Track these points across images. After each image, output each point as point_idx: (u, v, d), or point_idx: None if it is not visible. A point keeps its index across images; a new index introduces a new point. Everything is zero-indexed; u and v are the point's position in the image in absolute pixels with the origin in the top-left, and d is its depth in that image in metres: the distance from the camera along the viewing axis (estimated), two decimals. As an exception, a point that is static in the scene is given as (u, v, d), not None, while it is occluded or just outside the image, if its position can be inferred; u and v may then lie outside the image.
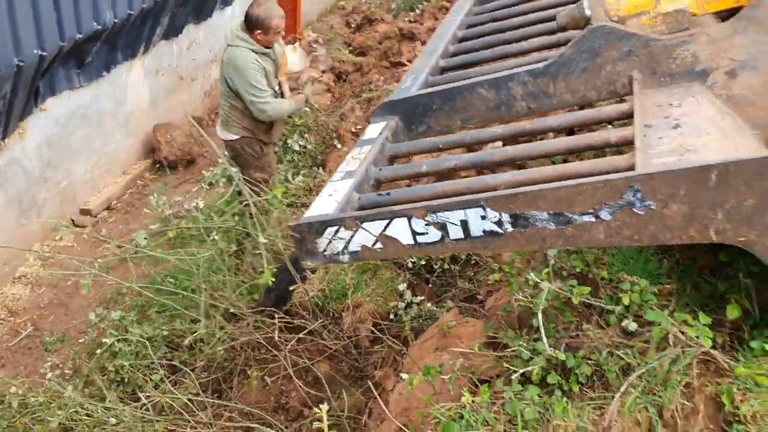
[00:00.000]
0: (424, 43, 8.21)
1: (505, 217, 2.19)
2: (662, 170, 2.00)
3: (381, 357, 3.75)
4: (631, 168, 2.20)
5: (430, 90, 3.13)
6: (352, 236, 2.38)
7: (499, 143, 3.53)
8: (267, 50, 4.73)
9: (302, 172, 6.12)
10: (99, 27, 5.58)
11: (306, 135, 6.55)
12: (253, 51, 4.62)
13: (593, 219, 2.11)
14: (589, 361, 2.41)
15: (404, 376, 2.74)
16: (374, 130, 3.08)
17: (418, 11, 9.32)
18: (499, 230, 2.22)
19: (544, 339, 2.41)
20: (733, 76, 2.68)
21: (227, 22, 7.54)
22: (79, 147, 6.06)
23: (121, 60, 6.28)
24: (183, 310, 4.00)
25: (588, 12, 2.79)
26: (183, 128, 7.02)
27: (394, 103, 3.16)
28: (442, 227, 2.27)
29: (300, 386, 3.47)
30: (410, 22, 8.96)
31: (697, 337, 2.18)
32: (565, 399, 2.31)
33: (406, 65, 7.92)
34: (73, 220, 6.13)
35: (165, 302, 4.12)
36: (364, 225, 2.35)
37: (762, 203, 1.95)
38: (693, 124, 2.46)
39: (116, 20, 5.75)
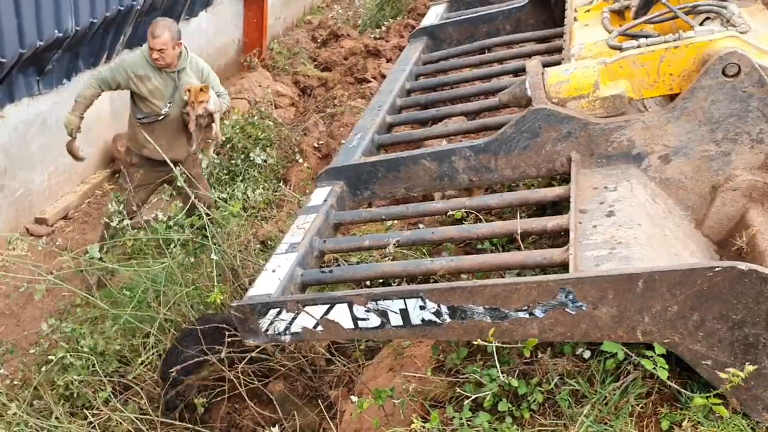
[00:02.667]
0: (389, 60, 8.31)
1: (444, 309, 2.25)
2: (592, 275, 2.08)
3: (336, 376, 3.71)
4: (565, 263, 2.28)
5: (374, 159, 3.18)
6: (294, 318, 2.41)
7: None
8: (163, 66, 4.75)
9: (262, 185, 6.06)
10: (60, 34, 5.47)
11: (268, 149, 6.54)
12: (145, 59, 4.77)
13: (527, 315, 2.18)
14: (541, 389, 2.42)
15: (353, 398, 2.72)
16: (319, 195, 3.10)
17: (383, 28, 9.40)
18: (438, 320, 2.27)
19: (497, 365, 2.39)
20: (667, 161, 2.80)
21: (193, 32, 7.46)
22: (38, 155, 5.91)
23: (83, 68, 6.17)
24: (137, 323, 3.93)
25: (529, 92, 2.87)
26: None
27: (340, 170, 3.20)
28: (383, 314, 2.31)
29: (252, 406, 3.39)
30: (376, 39, 9.03)
31: (654, 369, 2.21)
32: (516, 426, 2.34)
33: (370, 81, 7.97)
34: (27, 230, 5.97)
35: (119, 315, 4.02)
36: (306, 308, 2.37)
37: (683, 309, 2.04)
38: (626, 213, 2.56)
39: (78, 28, 5.64)
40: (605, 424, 2.27)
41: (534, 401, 2.39)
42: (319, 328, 2.39)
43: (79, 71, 6.14)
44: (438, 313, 2.26)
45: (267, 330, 2.45)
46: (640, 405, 2.28)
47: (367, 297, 2.30)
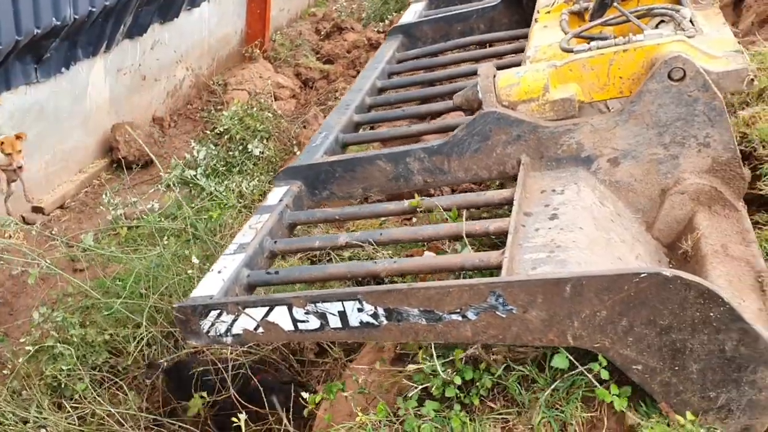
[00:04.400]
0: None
1: (380, 311, 2.26)
2: (521, 279, 2.09)
3: (325, 371, 3.71)
4: (500, 266, 2.29)
5: (332, 159, 3.19)
6: (235, 320, 2.43)
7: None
8: None
9: (258, 177, 6.07)
10: (58, 23, 5.45)
11: (266, 141, 6.51)
12: None
13: (460, 318, 2.19)
14: (491, 375, 2.41)
15: (304, 394, 2.72)
16: (276, 195, 3.12)
17: (387, 22, 9.36)
18: (375, 322, 2.29)
19: (434, 354, 2.40)
20: (616, 164, 2.81)
21: (195, 23, 7.47)
22: (34, 143, 5.90)
23: (82, 57, 6.15)
24: (129, 314, 3.95)
25: (480, 95, 2.88)
26: (143, 128, 6.93)
27: (298, 169, 3.21)
28: (322, 316, 2.33)
29: (235, 396, 3.38)
30: (379, 32, 8.98)
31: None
32: (464, 413, 2.34)
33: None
34: (23, 217, 5.99)
35: (110, 305, 4.04)
36: (246, 310, 2.39)
37: (612, 315, 2.06)
38: (569, 216, 2.58)
39: (76, 16, 5.62)
40: (557, 409, 2.28)
41: (483, 387, 2.38)
42: (260, 330, 2.41)
43: (78, 60, 6.13)
44: (375, 316, 2.27)
45: (208, 331, 2.47)
46: (591, 389, 2.27)
47: (306, 299, 2.32)
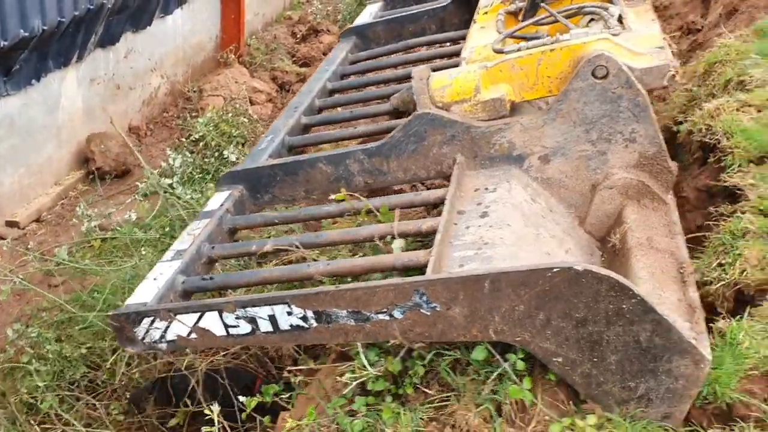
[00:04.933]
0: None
1: (309, 314, 2.30)
2: (443, 277, 2.14)
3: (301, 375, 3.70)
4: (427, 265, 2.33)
5: (273, 162, 3.22)
6: (168, 327, 2.45)
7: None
8: None
9: None
10: (26, 34, 5.37)
11: (242, 146, 6.50)
12: None
13: (388, 317, 2.23)
14: (423, 363, 2.43)
15: (242, 398, 2.73)
16: (217, 200, 3.14)
17: None
18: (305, 325, 2.32)
19: (360, 351, 2.42)
20: (547, 161, 2.87)
21: (168, 30, 7.45)
22: (7, 157, 5.81)
23: (53, 68, 6.06)
24: (105, 326, 3.92)
25: (415, 97, 2.92)
26: (119, 138, 6.87)
27: (239, 173, 3.24)
28: (252, 321, 2.36)
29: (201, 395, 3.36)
30: None
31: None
32: (397, 403, 2.36)
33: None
34: None
35: (86, 318, 4.00)
36: (178, 317, 2.42)
37: (530, 309, 2.11)
38: (499, 213, 2.63)
39: (45, 27, 5.53)
40: (493, 392, 2.30)
41: (416, 375, 2.41)
42: (193, 335, 2.44)
43: (49, 71, 6.04)
44: (305, 318, 2.31)
45: (143, 338, 2.49)
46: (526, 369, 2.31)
47: (236, 304, 2.35)
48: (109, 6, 6.30)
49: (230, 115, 6.84)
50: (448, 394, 2.35)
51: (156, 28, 7.39)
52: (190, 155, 6.37)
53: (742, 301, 2.48)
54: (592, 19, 3.05)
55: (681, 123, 3.54)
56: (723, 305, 2.52)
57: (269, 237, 3.60)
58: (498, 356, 2.26)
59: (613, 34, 2.77)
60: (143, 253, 4.50)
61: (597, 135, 2.76)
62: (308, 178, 3.15)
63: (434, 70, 3.26)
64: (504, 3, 3.54)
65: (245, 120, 6.82)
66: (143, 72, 7.45)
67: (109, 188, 6.59)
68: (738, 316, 2.34)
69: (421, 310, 2.19)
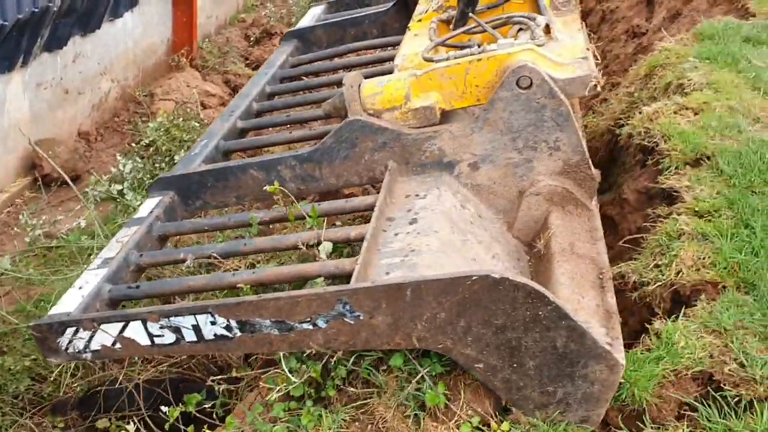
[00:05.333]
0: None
1: (233, 323, 2.29)
2: (365, 286, 2.16)
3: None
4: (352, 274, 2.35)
5: (204, 168, 3.20)
6: (92, 336, 2.41)
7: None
8: None
9: None
10: None
11: None
12: None
13: (311, 327, 2.24)
14: (345, 364, 2.43)
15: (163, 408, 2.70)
16: (147, 207, 3.11)
17: None
18: (229, 335, 2.32)
19: (286, 371, 2.40)
20: (476, 168, 2.92)
21: (118, 33, 7.29)
22: None
23: None
24: None
25: (346, 104, 2.94)
26: (68, 143, 6.70)
27: (170, 180, 3.21)
28: (177, 330, 2.35)
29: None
30: None
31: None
32: (318, 407, 2.36)
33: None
34: None
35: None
36: (102, 326, 2.38)
37: (451, 316, 2.14)
38: (427, 220, 2.66)
39: None
40: (417, 390, 2.33)
41: (338, 377, 2.42)
42: (117, 345, 2.41)
43: None
44: (229, 328, 2.30)
45: (67, 348, 2.45)
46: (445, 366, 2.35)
47: (160, 314, 2.33)
48: (55, 9, 6.16)
49: (181, 119, 6.77)
50: (371, 391, 2.37)
51: (105, 31, 7.25)
52: (140, 161, 6.28)
53: (678, 301, 2.56)
54: (520, 29, 3.11)
55: (622, 126, 3.63)
56: (660, 306, 2.60)
57: (199, 243, 3.57)
58: (414, 362, 2.29)
59: (538, 45, 2.83)
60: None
61: (523, 143, 2.82)
62: (239, 184, 3.14)
63: (368, 76, 3.29)
64: (437, 11, 3.57)
65: (196, 124, 6.75)
66: (93, 76, 7.31)
67: (57, 195, 6.44)
68: (673, 317, 2.42)
69: (345, 319, 2.21)
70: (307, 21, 5.50)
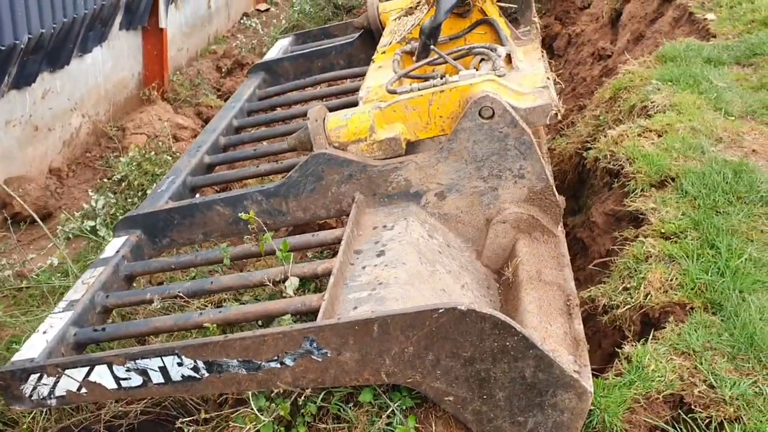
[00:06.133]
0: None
1: (200, 364, 2.26)
2: (331, 323, 2.15)
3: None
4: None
5: (170, 206, 3.17)
6: (56, 382, 2.37)
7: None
8: None
9: None
10: None
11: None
12: None
13: (279, 365, 2.22)
14: (314, 400, 2.40)
15: None
16: (113, 247, 3.07)
17: None
18: (197, 375, 2.29)
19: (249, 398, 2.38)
20: (443, 197, 2.93)
21: (88, 69, 7.24)
22: None
23: None
24: None
25: (311, 137, 2.94)
26: (38, 181, 6.60)
27: (136, 218, 3.18)
28: (143, 373, 2.31)
29: None
30: None
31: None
32: None
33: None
34: None
35: None
36: (66, 372, 2.34)
37: (419, 350, 2.13)
38: (395, 251, 2.66)
39: None
40: (389, 424, 2.31)
41: (308, 414, 2.39)
42: (83, 390, 2.37)
43: None
44: (196, 369, 2.27)
45: (31, 395, 2.40)
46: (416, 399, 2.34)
47: (126, 357, 2.29)
48: (23, 46, 6.12)
49: (153, 153, 6.74)
50: (342, 426, 2.35)
51: (75, 66, 7.22)
52: (113, 196, 6.22)
53: (648, 323, 2.58)
54: (482, 59, 3.15)
55: (589, 149, 3.67)
56: (630, 329, 2.61)
57: (162, 283, 3.54)
58: (384, 396, 2.28)
59: (499, 75, 2.87)
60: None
61: (488, 172, 2.84)
62: (206, 221, 3.12)
63: (335, 107, 3.30)
64: (401, 43, 3.61)
65: (169, 158, 6.72)
66: (63, 112, 7.26)
67: (29, 233, 6.34)
68: (643, 340, 2.43)
69: (313, 357, 2.19)
70: (274, 53, 5.52)
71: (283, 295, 2.54)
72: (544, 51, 3.42)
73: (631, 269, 2.72)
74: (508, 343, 2.09)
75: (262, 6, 11.55)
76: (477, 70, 3.04)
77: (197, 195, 3.69)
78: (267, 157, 4.27)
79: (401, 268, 2.56)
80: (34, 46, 6.32)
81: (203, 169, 3.86)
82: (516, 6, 3.51)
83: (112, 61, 7.85)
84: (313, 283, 2.88)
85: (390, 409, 2.28)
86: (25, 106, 6.70)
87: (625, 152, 3.34)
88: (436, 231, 2.94)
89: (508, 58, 3.13)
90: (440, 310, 2.07)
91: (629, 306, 2.60)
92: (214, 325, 2.45)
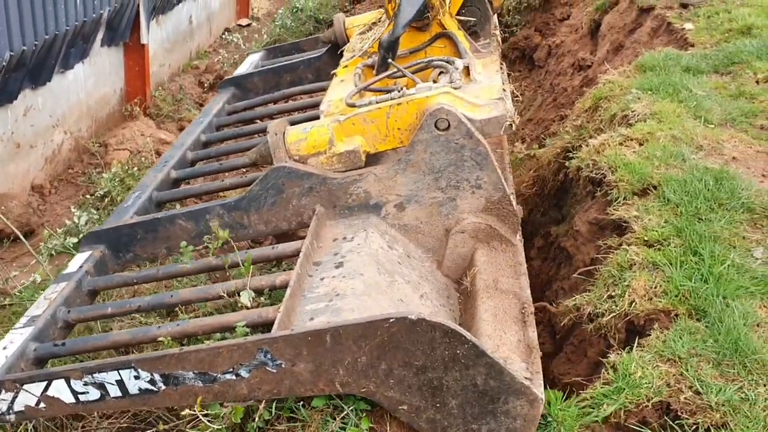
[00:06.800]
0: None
1: (157, 377, 2.28)
2: (284, 334, 2.17)
3: None
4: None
5: (133, 221, 3.19)
6: (15, 397, 2.38)
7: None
8: None
9: None
10: None
11: None
12: None
13: (234, 377, 2.24)
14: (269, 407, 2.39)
15: None
16: (76, 262, 3.08)
17: None
18: (154, 388, 2.30)
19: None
20: (402, 208, 2.97)
21: (70, 85, 7.22)
22: None
23: None
24: None
25: (271, 151, 2.98)
26: (21, 198, 6.56)
27: (99, 234, 3.19)
28: (101, 387, 2.32)
29: None
30: None
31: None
32: None
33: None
34: None
35: None
36: (24, 387, 2.35)
37: (372, 359, 2.17)
38: (354, 263, 2.69)
39: None
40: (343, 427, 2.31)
41: (260, 418, 2.37)
42: (42, 405, 2.37)
43: None
44: (153, 382, 2.29)
45: (-11, 411, 2.40)
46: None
47: (83, 371, 2.31)
48: (4, 63, 6.11)
49: (136, 168, 6.74)
50: (296, 425, 2.36)
51: (57, 83, 7.21)
52: (96, 212, 6.21)
53: (633, 331, 2.58)
54: (441, 72, 3.20)
55: (571, 159, 3.71)
56: (615, 337, 2.62)
57: (122, 298, 3.55)
58: (339, 400, 2.31)
59: (455, 87, 2.92)
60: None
61: (446, 182, 2.89)
62: (169, 235, 3.14)
63: (300, 121, 3.34)
64: (362, 57, 3.66)
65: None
66: (45, 129, 7.24)
67: (11, 251, 6.29)
68: (628, 347, 2.43)
69: (267, 368, 2.21)
70: (245, 68, 5.55)
71: (239, 306, 2.56)
72: (503, 63, 3.48)
73: (615, 277, 2.73)
74: (458, 352, 2.12)
75: (244, 21, 11.60)
76: (436, 82, 3.10)
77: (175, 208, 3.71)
78: (234, 171, 4.28)
79: (359, 279, 2.60)
80: (16, 64, 6.32)
81: (170, 184, 3.88)
82: (475, 19, 3.57)
83: (94, 78, 7.85)
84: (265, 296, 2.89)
85: (345, 413, 2.30)
86: (7, 123, 6.68)
87: (607, 161, 3.36)
88: (397, 242, 2.98)
89: (467, 71, 3.18)
90: (391, 320, 2.11)
91: (614, 314, 2.60)
92: (169, 339, 2.47)
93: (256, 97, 5.02)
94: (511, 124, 2.81)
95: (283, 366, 2.21)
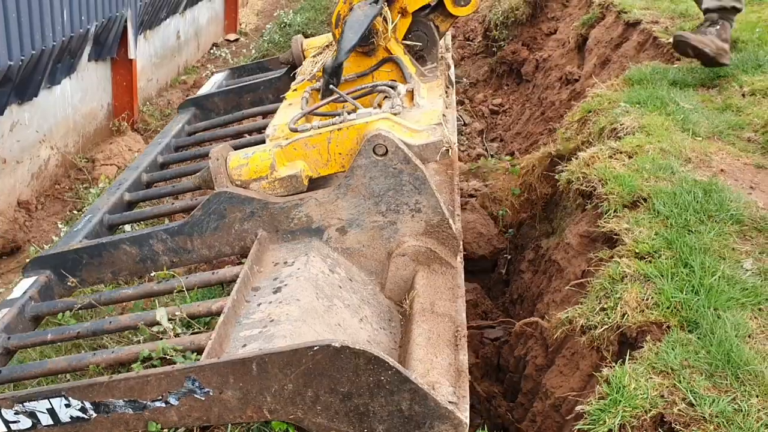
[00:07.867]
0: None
1: (88, 405, 2.29)
2: (211, 362, 2.19)
3: None
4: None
5: (78, 246, 3.20)
6: (-56, 428, 2.37)
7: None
8: None
9: None
10: None
11: None
12: None
13: (164, 404, 2.26)
14: None
15: None
16: (21, 288, 3.08)
17: None
18: (85, 416, 2.31)
19: None
20: (344, 232, 3.00)
21: (57, 100, 7.20)
22: None
23: None
24: None
25: (213, 176, 3.00)
26: (7, 214, 6.52)
27: (45, 259, 3.20)
28: (32, 415, 2.33)
29: None
30: None
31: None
32: None
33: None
34: None
35: None
36: (-46, 417, 2.35)
37: (298, 387, 2.19)
38: (291, 288, 2.72)
39: None
40: None
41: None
42: (-28, 435, 2.37)
43: None
44: (84, 410, 2.30)
45: None
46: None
47: (13, 400, 2.31)
48: None
49: (122, 184, 6.71)
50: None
51: (43, 98, 7.19)
52: None
53: (625, 343, 2.61)
54: (386, 97, 3.25)
55: (561, 172, 3.75)
56: (608, 349, 2.64)
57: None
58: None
59: (395, 113, 2.96)
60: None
61: (386, 207, 2.92)
62: (113, 260, 3.15)
63: (256, 143, 3.36)
64: (311, 81, 3.70)
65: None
66: (31, 144, 7.20)
67: None
68: (620, 360, 2.45)
69: (196, 396, 2.23)
70: (207, 88, 5.58)
71: (160, 331, 2.58)
72: (450, 87, 3.53)
73: (607, 290, 2.75)
74: (383, 378, 2.15)
75: (232, 36, 11.63)
76: (380, 107, 3.14)
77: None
78: (189, 193, 4.30)
79: (294, 304, 2.62)
80: (2, 79, 6.31)
81: (123, 207, 3.89)
82: (421, 44, 3.62)
83: (81, 93, 7.84)
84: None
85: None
86: (-8, 139, 6.63)
87: (596, 174, 3.40)
88: (339, 265, 3.01)
89: (411, 95, 3.23)
90: (315, 348, 2.13)
91: (607, 326, 2.62)
92: (99, 366, 2.48)
93: (216, 118, 5.04)
94: (447, 150, 2.86)
95: (211, 394, 2.22)
